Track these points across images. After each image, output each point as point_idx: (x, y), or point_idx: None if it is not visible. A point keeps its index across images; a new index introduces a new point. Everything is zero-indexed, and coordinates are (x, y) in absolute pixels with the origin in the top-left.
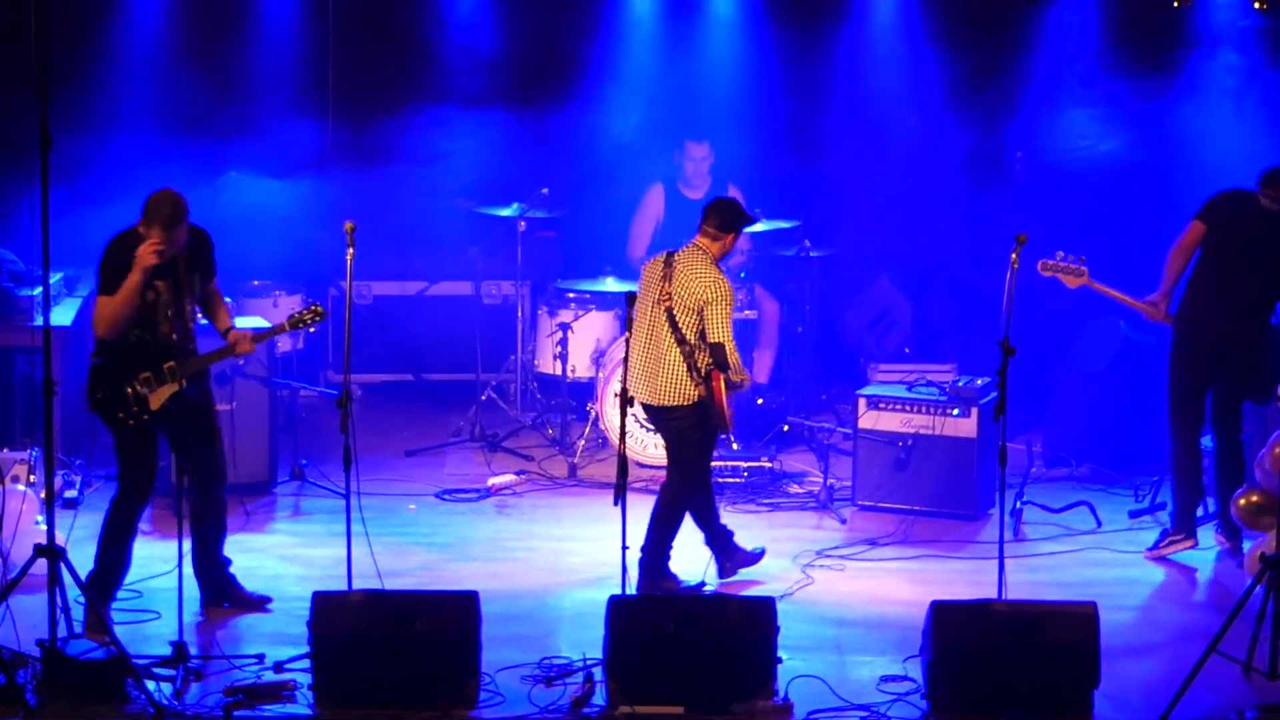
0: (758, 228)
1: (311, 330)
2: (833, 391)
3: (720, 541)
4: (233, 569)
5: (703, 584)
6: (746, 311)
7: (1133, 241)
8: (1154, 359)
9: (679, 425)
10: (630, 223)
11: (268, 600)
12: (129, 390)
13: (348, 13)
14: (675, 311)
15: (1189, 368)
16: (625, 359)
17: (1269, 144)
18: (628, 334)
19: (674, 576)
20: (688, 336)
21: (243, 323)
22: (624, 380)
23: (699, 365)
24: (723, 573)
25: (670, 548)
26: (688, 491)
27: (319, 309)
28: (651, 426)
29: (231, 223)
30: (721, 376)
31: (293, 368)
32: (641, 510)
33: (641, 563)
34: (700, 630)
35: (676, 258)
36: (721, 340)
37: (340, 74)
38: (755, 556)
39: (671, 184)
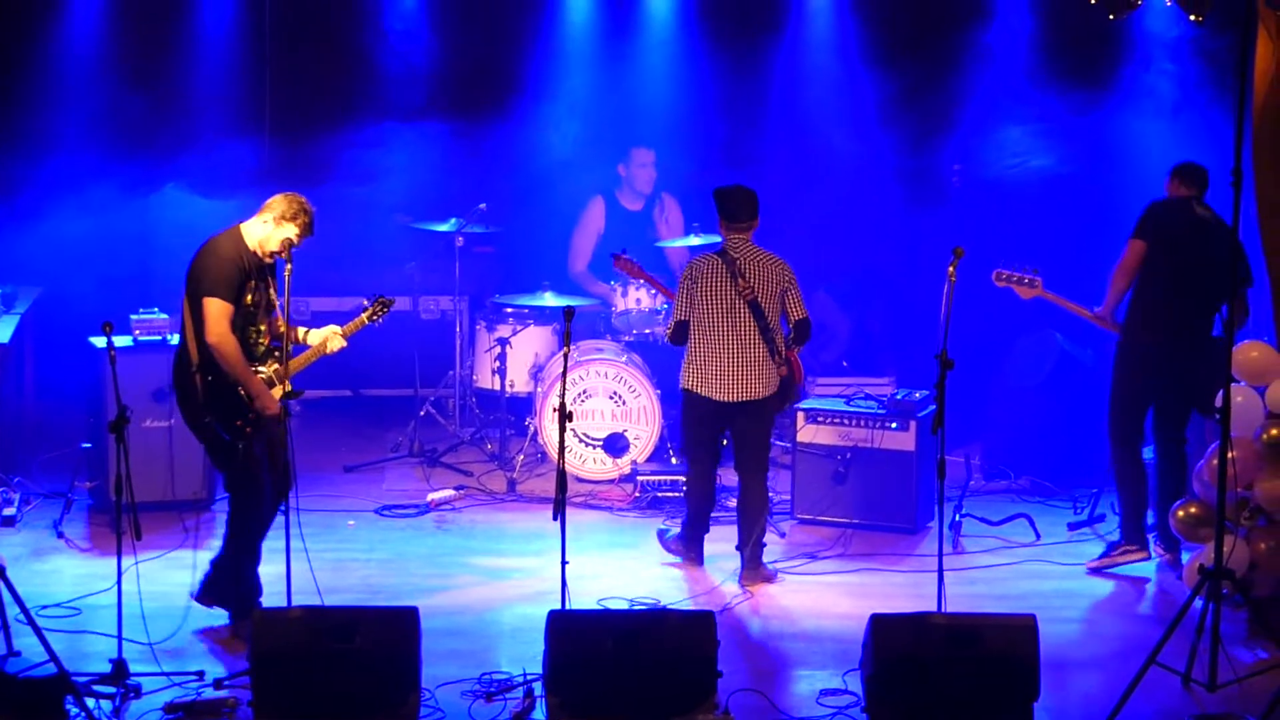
0: (693, 241)
1: (378, 323)
2: None
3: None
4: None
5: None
6: None
7: (1070, 254)
8: (1090, 371)
9: (767, 413)
10: (570, 236)
11: None
12: (244, 397)
13: (285, 30)
14: (761, 302)
15: (1132, 379)
16: (564, 372)
17: (1203, 154)
18: (565, 348)
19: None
20: (771, 324)
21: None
22: (562, 395)
23: (779, 347)
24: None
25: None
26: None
27: (389, 300)
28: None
29: (169, 240)
30: (795, 350)
31: None
32: (581, 524)
33: (745, 556)
34: (640, 645)
35: (734, 253)
36: (806, 315)
37: (278, 90)
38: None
39: (611, 196)
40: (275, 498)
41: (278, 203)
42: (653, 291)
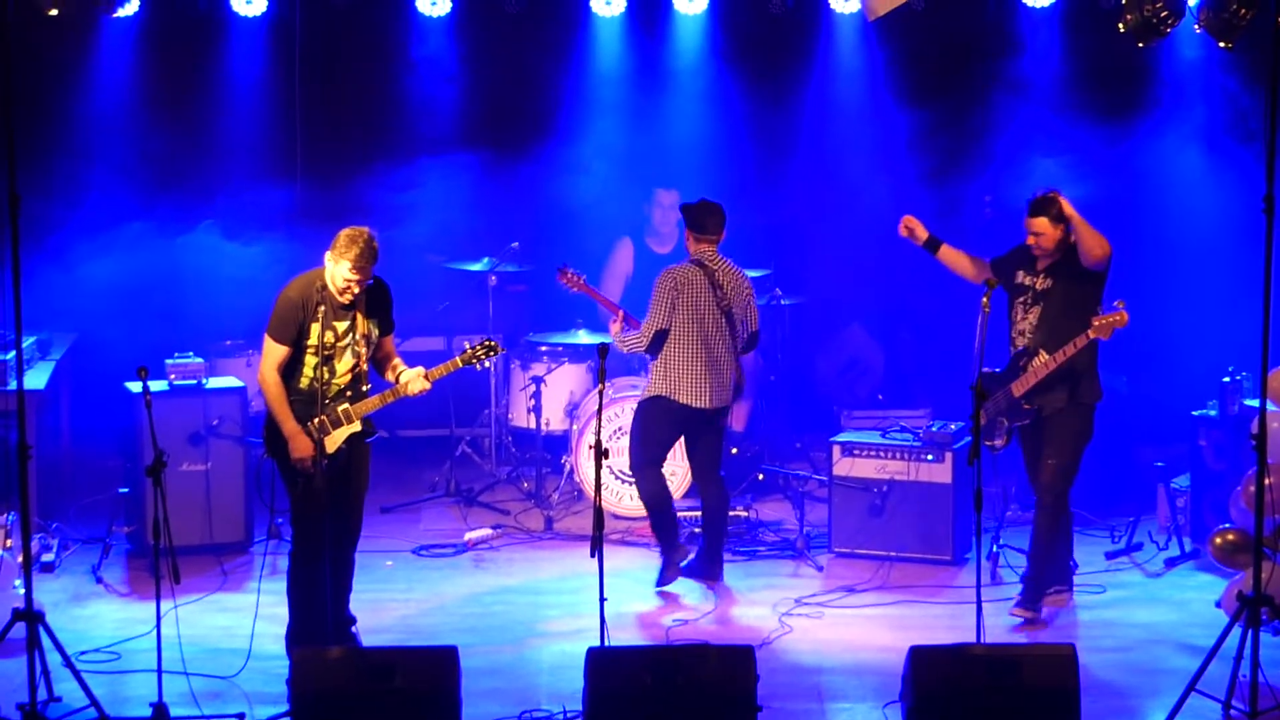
0: None
1: (487, 365)
2: (806, 439)
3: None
4: (355, 628)
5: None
6: None
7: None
8: (1125, 400)
9: (724, 420)
10: (600, 275)
11: None
12: (308, 434)
13: (316, 72)
14: (734, 311)
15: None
16: (599, 409)
17: (1233, 178)
18: (600, 385)
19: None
20: (740, 333)
21: (217, 382)
22: (598, 432)
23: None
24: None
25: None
26: None
27: (493, 343)
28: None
29: (201, 283)
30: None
31: None
32: (619, 561)
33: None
34: (679, 680)
35: (711, 265)
36: (758, 328)
37: (309, 131)
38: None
39: (639, 238)
40: (336, 538)
41: (338, 238)
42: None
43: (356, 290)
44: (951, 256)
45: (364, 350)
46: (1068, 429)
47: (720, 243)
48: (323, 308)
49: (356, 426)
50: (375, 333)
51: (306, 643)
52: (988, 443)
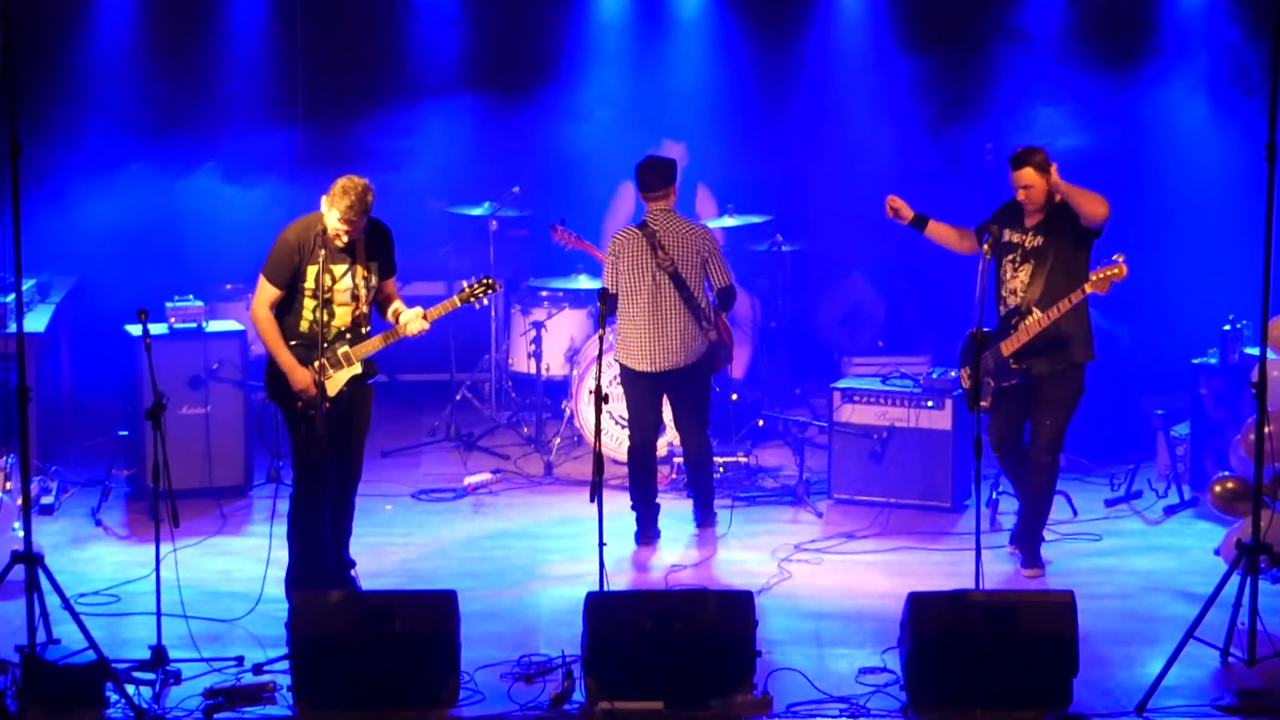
0: (728, 222)
1: (485, 304)
2: (807, 386)
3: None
4: (355, 571)
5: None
6: None
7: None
8: (1126, 349)
9: (699, 379)
10: (602, 221)
11: None
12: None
13: (317, 14)
14: (681, 273)
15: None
16: (599, 354)
17: (1236, 132)
18: (600, 330)
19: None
20: (694, 293)
21: (217, 326)
22: (598, 377)
23: (707, 314)
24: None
25: None
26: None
27: (490, 281)
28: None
29: (202, 227)
30: (724, 316)
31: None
32: (618, 507)
33: (705, 518)
34: (678, 625)
35: (653, 225)
36: (730, 282)
37: (310, 75)
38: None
39: None
40: (337, 482)
41: (334, 186)
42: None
43: (346, 239)
44: (939, 231)
45: (364, 293)
46: (1064, 390)
47: (671, 198)
48: (321, 251)
49: (357, 368)
50: (375, 276)
51: (306, 586)
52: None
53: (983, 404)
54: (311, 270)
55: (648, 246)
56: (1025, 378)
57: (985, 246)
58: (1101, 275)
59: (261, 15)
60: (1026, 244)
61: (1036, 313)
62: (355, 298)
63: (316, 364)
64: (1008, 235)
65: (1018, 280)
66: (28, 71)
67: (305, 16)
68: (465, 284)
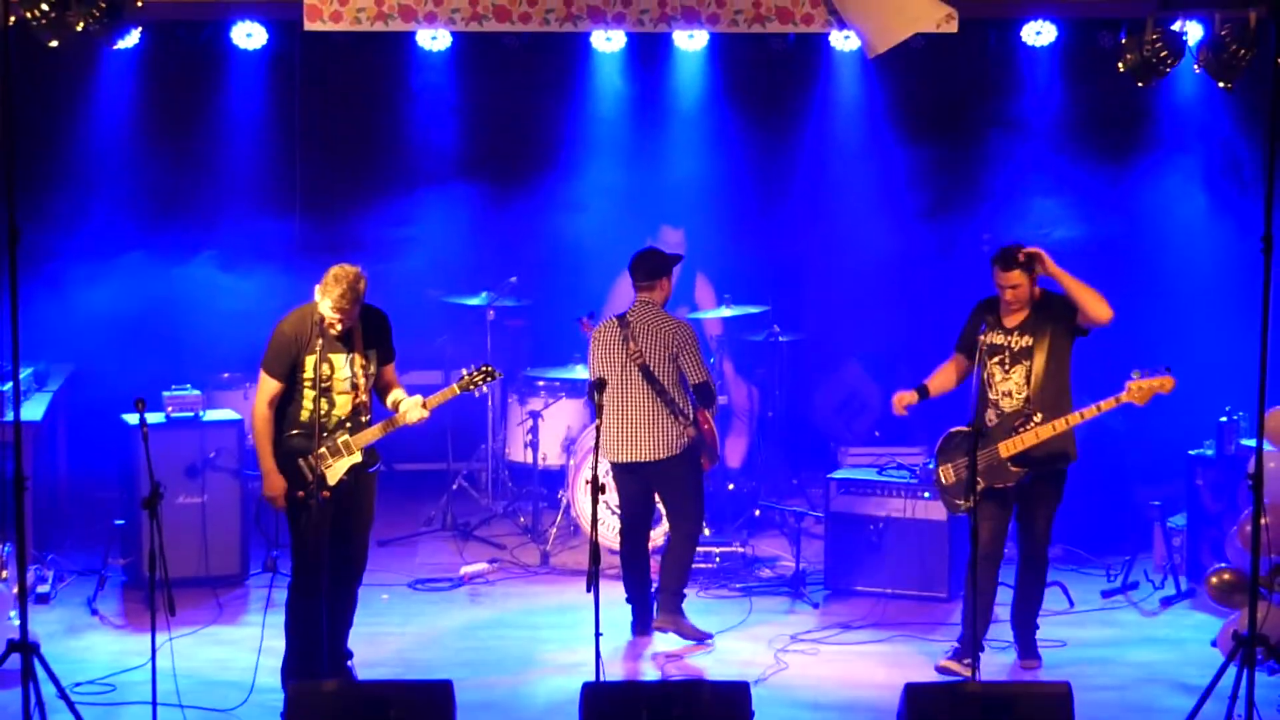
0: (725, 312)
1: (485, 391)
2: (803, 475)
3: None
4: (352, 663)
5: (710, 636)
6: (719, 397)
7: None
8: (1121, 439)
9: (677, 473)
10: (600, 311)
11: None
12: (306, 466)
13: (316, 106)
14: (651, 366)
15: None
16: (596, 444)
17: (1231, 220)
18: (597, 421)
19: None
20: (667, 387)
21: (214, 415)
22: (594, 468)
23: (684, 410)
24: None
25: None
26: (699, 530)
27: (490, 369)
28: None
29: (199, 316)
30: (706, 412)
31: None
32: (615, 595)
33: (659, 603)
34: (674, 716)
35: (630, 319)
36: (705, 379)
37: (308, 164)
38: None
39: None
40: (337, 571)
41: (327, 275)
42: None
43: (340, 327)
44: (938, 383)
45: (363, 382)
46: (1057, 487)
47: (658, 292)
48: (318, 340)
49: (357, 457)
50: (374, 364)
51: (302, 676)
52: (956, 501)
53: (961, 504)
54: (309, 360)
55: (620, 338)
56: (1020, 480)
57: (981, 338)
58: (1144, 385)
59: (260, 103)
60: (1014, 345)
61: (1039, 416)
62: (354, 386)
63: (318, 452)
64: (992, 337)
65: (1010, 383)
66: (26, 155)
67: (303, 104)
68: (465, 371)
